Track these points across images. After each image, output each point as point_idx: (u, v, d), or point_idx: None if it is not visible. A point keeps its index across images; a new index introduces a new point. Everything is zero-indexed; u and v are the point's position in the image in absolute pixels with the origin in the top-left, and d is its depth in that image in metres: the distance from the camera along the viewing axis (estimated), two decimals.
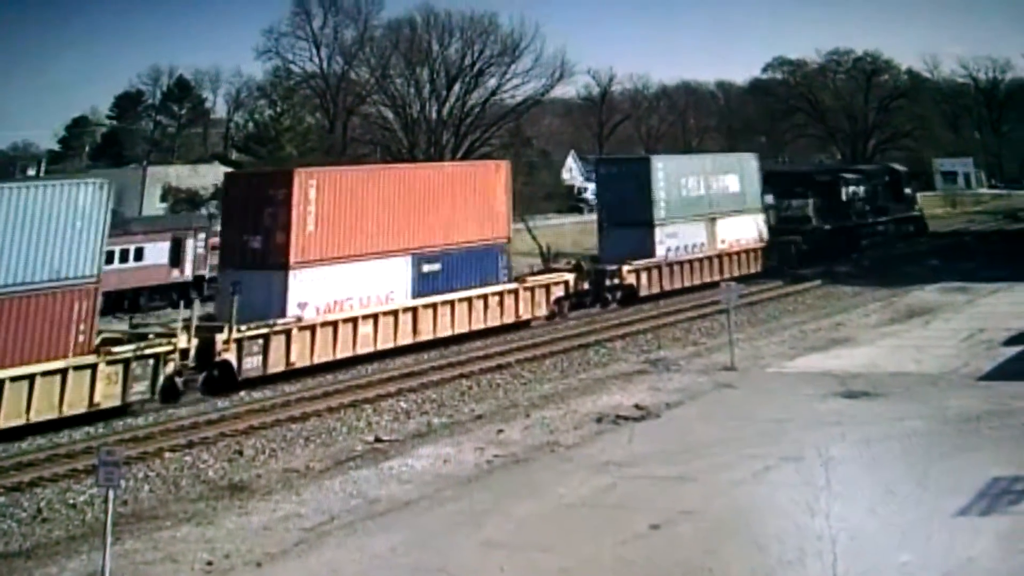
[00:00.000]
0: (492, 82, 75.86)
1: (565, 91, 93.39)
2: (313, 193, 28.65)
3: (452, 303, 31.92)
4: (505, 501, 16.46)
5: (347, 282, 29.11)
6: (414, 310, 30.75)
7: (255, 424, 22.77)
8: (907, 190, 62.81)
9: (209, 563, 14.46)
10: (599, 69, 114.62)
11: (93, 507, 17.47)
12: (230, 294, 26.21)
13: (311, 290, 28.18)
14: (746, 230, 46.08)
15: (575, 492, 16.66)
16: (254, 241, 28.50)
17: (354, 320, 28.89)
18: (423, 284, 31.30)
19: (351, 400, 24.71)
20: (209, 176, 56.35)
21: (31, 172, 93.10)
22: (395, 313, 30.21)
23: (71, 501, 18.07)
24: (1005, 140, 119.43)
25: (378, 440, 21.51)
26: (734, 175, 46.74)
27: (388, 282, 30.38)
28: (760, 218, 47.37)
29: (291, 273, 27.79)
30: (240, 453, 20.94)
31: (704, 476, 16.95)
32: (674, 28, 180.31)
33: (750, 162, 48.85)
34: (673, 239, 41.81)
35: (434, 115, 72.46)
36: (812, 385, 23.53)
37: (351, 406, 24.26)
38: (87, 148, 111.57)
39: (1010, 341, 27.27)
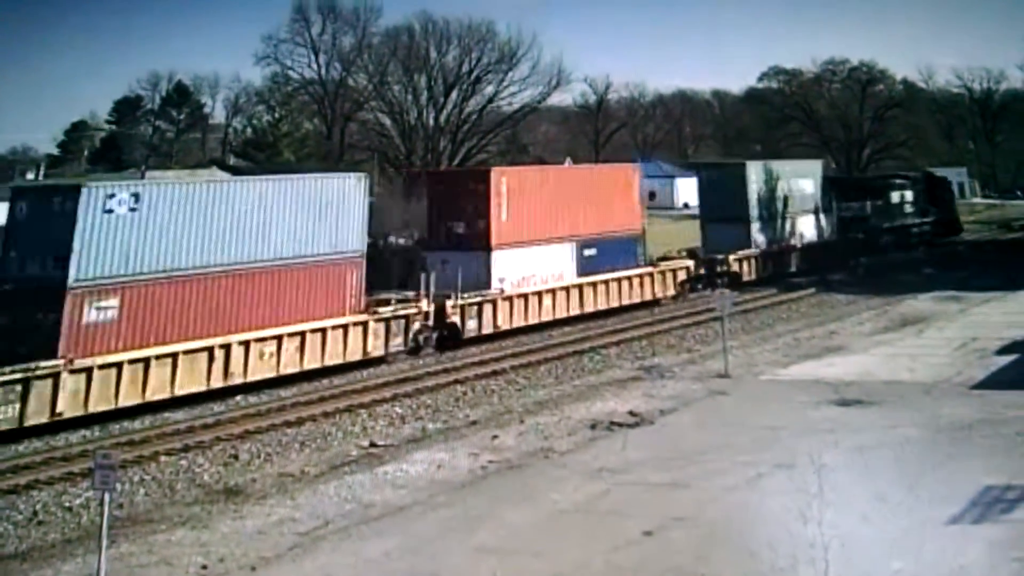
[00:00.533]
0: (489, 89, 76.18)
1: (562, 99, 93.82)
2: (504, 188, 34.69)
3: (607, 282, 37.91)
4: (499, 507, 16.53)
5: (530, 262, 35.23)
6: (580, 287, 36.93)
7: (251, 428, 22.81)
8: (943, 195, 68.41)
9: (204, 567, 14.51)
10: (596, 77, 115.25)
11: (89, 510, 17.51)
12: (439, 270, 32.45)
13: (507, 268, 34.24)
14: (818, 227, 51.90)
15: (569, 498, 16.72)
16: (458, 227, 34.64)
17: (539, 293, 34.79)
18: (584, 265, 37.31)
19: (346, 405, 24.75)
20: None
21: (30, 176, 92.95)
22: (567, 289, 36.47)
23: (67, 504, 18.10)
24: (999, 150, 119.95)
25: (373, 445, 21.55)
26: (808, 179, 52.23)
27: (559, 263, 36.56)
28: (825, 217, 52.53)
29: (493, 254, 33.86)
30: (236, 457, 20.98)
31: (697, 483, 17.02)
32: (671, 37, 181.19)
33: (818, 168, 55.26)
34: (764, 234, 47.68)
35: (431, 122, 72.60)
36: (806, 393, 23.62)
37: (346, 411, 24.31)
38: (86, 152, 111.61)
39: (1003, 350, 27.38)
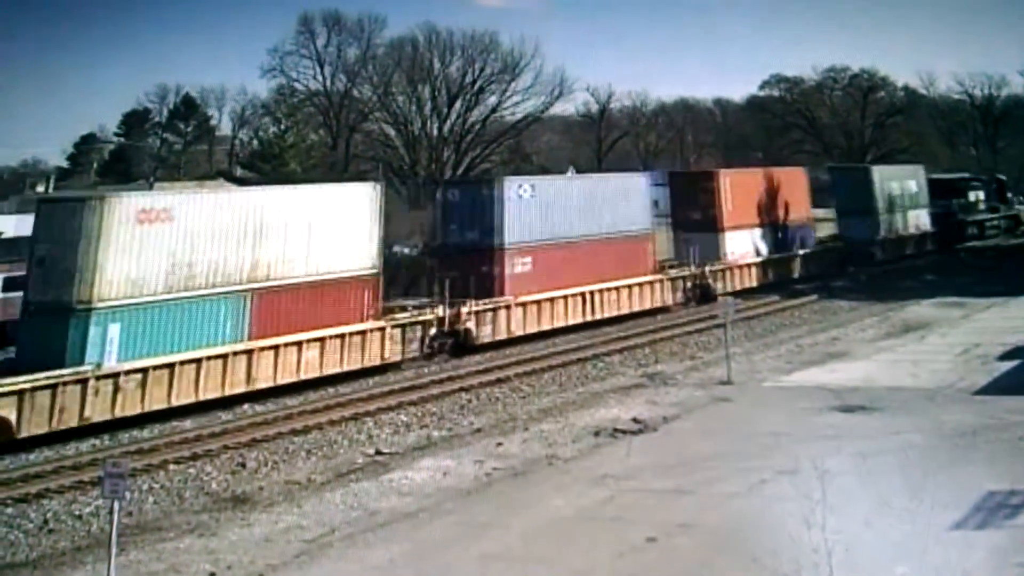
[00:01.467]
0: (492, 99, 76.37)
1: (564, 108, 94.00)
2: (726, 185, 45.57)
3: (789, 258, 48.96)
4: (504, 514, 16.64)
5: (744, 241, 45.92)
6: (773, 261, 47.66)
7: (257, 437, 22.97)
8: (1009, 194, 77.77)
9: (212, 574, 14.63)
10: (598, 86, 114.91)
11: (98, 518, 17.66)
12: (687, 246, 42.66)
13: (732, 245, 44.97)
14: (922, 220, 61.56)
15: (573, 505, 16.82)
16: (695, 214, 45.13)
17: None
18: (775, 247, 48.04)
19: (352, 413, 24.90)
20: None
21: (40, 188, 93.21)
22: (766, 263, 47.11)
23: (77, 512, 18.26)
24: (1001, 156, 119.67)
25: (379, 453, 21.69)
26: (914, 180, 61.81)
27: (761, 243, 47.35)
28: (925, 212, 61.79)
29: (723, 234, 44.72)
30: (243, 465, 21.13)
31: (701, 489, 17.12)
32: (672, 46, 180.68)
33: (921, 171, 64.39)
34: (887, 224, 57.50)
35: (435, 132, 72.83)
36: (808, 399, 23.70)
37: (352, 419, 24.45)
38: (95, 165, 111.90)
39: (1006, 356, 27.44)
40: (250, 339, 26.39)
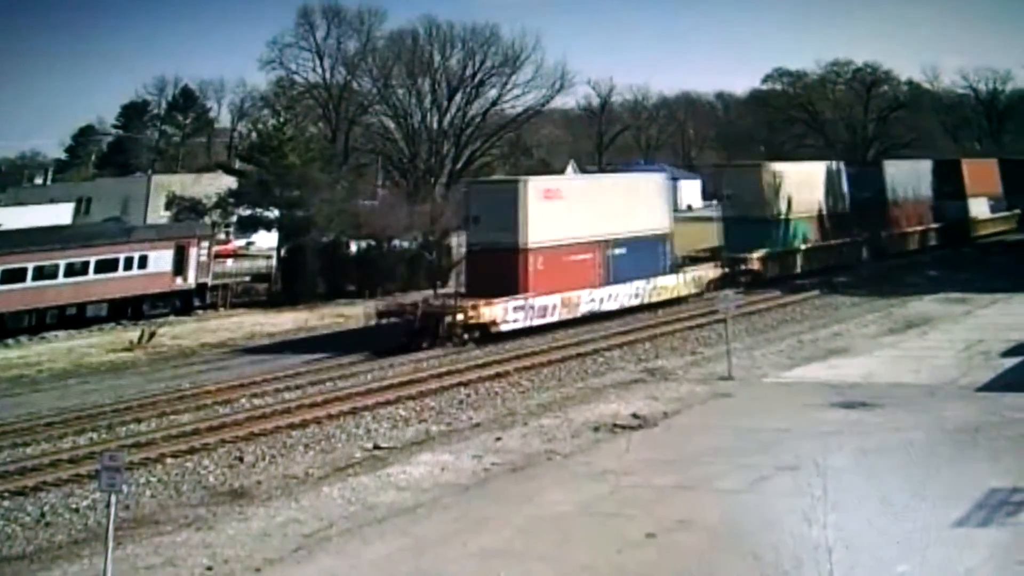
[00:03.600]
0: (493, 92, 75.93)
1: (565, 101, 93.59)
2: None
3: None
4: (502, 509, 16.55)
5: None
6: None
7: (255, 431, 22.88)
8: None
9: (209, 568, 14.55)
10: (599, 80, 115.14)
11: (95, 511, 17.60)
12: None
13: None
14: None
15: (572, 500, 16.73)
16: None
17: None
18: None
19: (350, 407, 24.81)
20: (212, 185, 56.57)
21: (39, 181, 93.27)
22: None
23: (74, 506, 18.19)
24: (1005, 151, 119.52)
25: (377, 447, 21.60)
26: None
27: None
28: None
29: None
30: (241, 459, 21.04)
31: (701, 485, 17.03)
32: (674, 39, 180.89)
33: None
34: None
35: (435, 125, 72.48)
36: (809, 395, 23.61)
37: (350, 413, 24.36)
38: (93, 157, 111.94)
39: (1008, 352, 27.32)
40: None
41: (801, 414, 21.77)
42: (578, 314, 37.13)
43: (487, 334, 34.20)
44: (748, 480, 17.03)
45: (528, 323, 35.36)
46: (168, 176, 79.81)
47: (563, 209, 37.05)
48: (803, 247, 50.00)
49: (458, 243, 55.40)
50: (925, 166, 64.28)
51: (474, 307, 34.30)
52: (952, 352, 28.10)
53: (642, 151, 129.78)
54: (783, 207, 49.01)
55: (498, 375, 28.35)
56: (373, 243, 52.74)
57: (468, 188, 43.48)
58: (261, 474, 20.05)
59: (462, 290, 37.97)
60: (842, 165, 57.37)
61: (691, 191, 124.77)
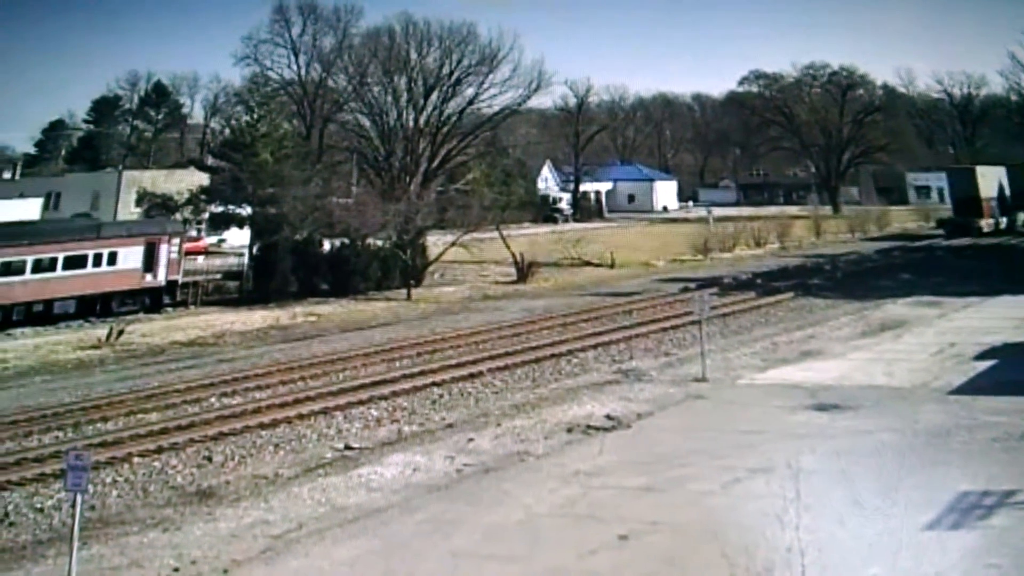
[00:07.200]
0: (469, 91, 75.67)
1: (542, 101, 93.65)
2: None
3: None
4: (474, 510, 16.42)
5: None
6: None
7: (224, 430, 22.60)
8: None
9: (176, 569, 14.36)
10: (576, 80, 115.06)
11: (60, 511, 17.33)
12: None
13: None
14: None
15: (544, 501, 16.62)
16: None
17: None
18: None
19: (322, 407, 24.56)
20: (184, 181, 56.07)
21: (7, 175, 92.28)
22: None
23: (38, 505, 17.91)
24: (979, 155, 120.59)
25: (348, 447, 21.40)
26: None
27: None
28: None
29: None
30: (209, 459, 20.79)
31: (674, 487, 16.96)
32: (652, 41, 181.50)
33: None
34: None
35: (411, 123, 72.07)
36: (783, 397, 23.59)
37: (321, 413, 24.13)
38: (63, 152, 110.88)
39: (981, 356, 27.42)
40: None
41: (775, 416, 21.76)
42: None
43: None
44: (721, 482, 16.97)
45: None
46: (139, 172, 79.02)
47: None
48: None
49: (433, 242, 55.32)
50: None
51: None
52: (925, 355, 28.19)
53: (619, 152, 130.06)
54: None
55: (472, 375, 28.18)
56: (347, 241, 52.42)
57: None
58: (230, 474, 19.80)
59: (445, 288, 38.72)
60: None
61: (667, 192, 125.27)
